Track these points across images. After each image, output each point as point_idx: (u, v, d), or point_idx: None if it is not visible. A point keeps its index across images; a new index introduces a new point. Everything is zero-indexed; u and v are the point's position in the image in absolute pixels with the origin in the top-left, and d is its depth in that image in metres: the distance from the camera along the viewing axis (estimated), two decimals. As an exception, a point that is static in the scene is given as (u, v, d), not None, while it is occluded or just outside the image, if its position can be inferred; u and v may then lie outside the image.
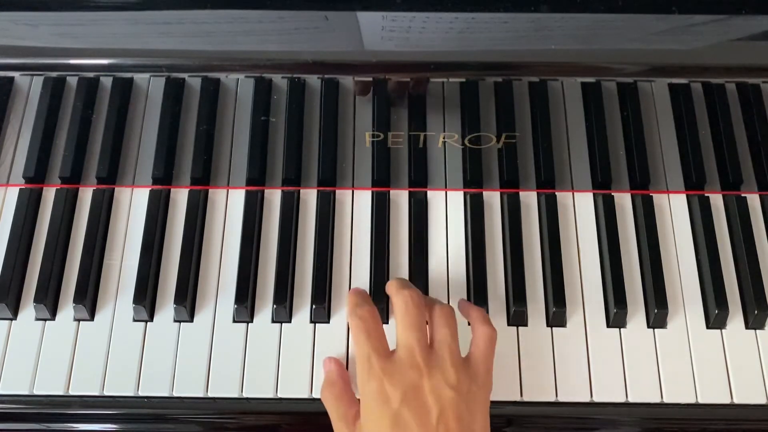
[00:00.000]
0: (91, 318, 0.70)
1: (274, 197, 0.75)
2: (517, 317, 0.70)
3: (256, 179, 0.75)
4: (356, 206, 0.75)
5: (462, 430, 0.57)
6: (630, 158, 0.74)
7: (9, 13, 0.66)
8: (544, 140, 0.74)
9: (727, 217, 0.75)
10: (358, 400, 0.62)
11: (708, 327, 0.71)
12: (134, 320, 0.70)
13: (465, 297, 0.71)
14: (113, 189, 0.75)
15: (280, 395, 0.68)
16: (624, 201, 0.75)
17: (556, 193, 0.75)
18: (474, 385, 0.60)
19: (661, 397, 0.68)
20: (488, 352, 0.63)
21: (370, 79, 0.71)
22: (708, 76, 0.72)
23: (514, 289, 0.71)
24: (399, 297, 0.63)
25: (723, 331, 0.70)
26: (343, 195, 0.76)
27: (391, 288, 0.65)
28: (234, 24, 0.67)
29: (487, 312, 0.70)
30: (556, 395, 0.68)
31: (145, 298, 0.70)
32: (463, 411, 0.57)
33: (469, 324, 0.67)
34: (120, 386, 0.68)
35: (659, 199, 0.75)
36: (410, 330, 0.61)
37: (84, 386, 0.68)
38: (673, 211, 0.75)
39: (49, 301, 0.70)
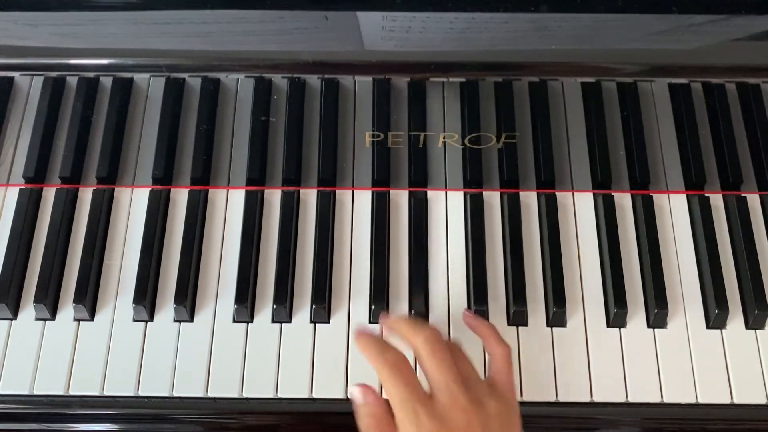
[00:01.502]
0: (91, 318, 0.70)
1: (274, 197, 0.75)
2: (517, 317, 0.70)
3: (256, 179, 0.74)
4: (356, 206, 0.75)
5: None
6: (630, 158, 0.74)
7: (9, 13, 0.67)
8: (544, 140, 0.74)
9: (727, 217, 0.75)
10: None
11: (708, 327, 0.71)
12: (134, 320, 0.70)
13: (465, 297, 0.71)
14: (113, 189, 0.75)
15: (280, 395, 0.68)
16: (624, 201, 0.75)
17: (556, 193, 0.75)
18: (507, 406, 0.61)
19: (661, 397, 0.68)
20: (509, 371, 0.64)
21: (370, 78, 0.71)
22: (708, 76, 0.72)
23: (514, 289, 0.71)
24: (419, 339, 0.61)
25: (723, 331, 0.70)
26: (343, 195, 0.76)
27: (401, 329, 0.63)
28: (234, 24, 0.67)
29: (487, 312, 0.70)
30: (556, 395, 0.68)
31: (145, 298, 0.70)
32: None
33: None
34: (120, 386, 0.68)
35: (659, 199, 0.75)
36: (445, 372, 0.60)
37: (84, 386, 0.68)
38: (673, 211, 0.75)
39: (49, 301, 0.70)
